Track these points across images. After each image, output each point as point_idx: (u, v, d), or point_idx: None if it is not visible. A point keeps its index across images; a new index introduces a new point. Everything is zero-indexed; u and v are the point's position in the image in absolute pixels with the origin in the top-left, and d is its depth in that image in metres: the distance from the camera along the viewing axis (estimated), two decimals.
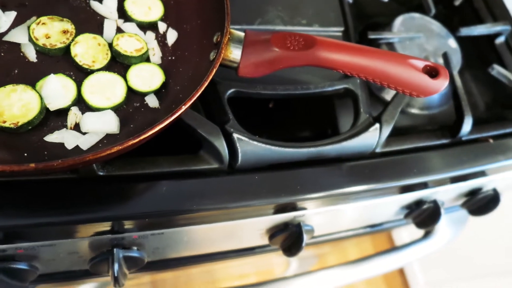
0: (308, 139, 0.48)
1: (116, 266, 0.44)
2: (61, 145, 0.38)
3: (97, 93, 0.40)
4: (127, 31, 0.45)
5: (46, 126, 0.39)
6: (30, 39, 0.41)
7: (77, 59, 0.41)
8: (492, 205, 0.61)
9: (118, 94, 0.41)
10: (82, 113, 0.40)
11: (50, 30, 0.42)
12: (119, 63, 0.44)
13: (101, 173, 0.41)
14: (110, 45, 0.43)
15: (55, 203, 0.39)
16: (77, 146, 0.38)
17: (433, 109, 0.61)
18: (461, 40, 0.63)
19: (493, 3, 0.69)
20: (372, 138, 0.49)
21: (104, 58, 0.42)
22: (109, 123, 0.39)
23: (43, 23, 0.42)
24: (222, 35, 0.41)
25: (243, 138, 0.44)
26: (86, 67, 0.41)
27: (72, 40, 0.42)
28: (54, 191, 0.39)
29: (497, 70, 0.57)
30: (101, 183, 0.41)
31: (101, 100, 0.40)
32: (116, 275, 0.45)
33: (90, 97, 0.40)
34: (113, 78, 0.42)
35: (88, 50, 0.42)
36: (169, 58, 0.46)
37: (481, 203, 0.61)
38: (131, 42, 0.44)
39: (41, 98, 0.38)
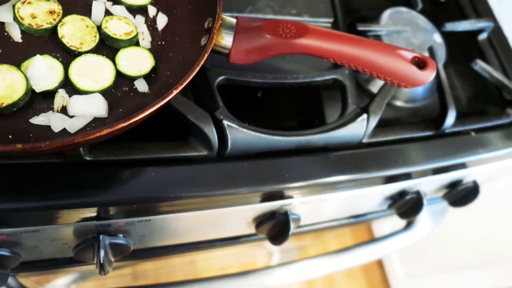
0: (296, 129, 0.48)
1: (102, 253, 0.44)
2: (47, 128, 0.37)
3: (85, 75, 0.39)
4: (116, 14, 0.44)
5: (32, 108, 0.38)
6: (15, 18, 0.40)
7: (64, 41, 0.40)
8: (471, 197, 0.62)
9: (106, 77, 0.40)
10: (70, 96, 0.39)
11: (36, 10, 0.40)
12: (107, 47, 0.43)
13: (88, 158, 0.40)
14: (99, 27, 0.43)
15: (39, 188, 0.38)
16: (63, 130, 0.37)
17: (418, 102, 0.62)
18: (446, 35, 0.65)
19: (477, 1, 0.70)
20: (359, 128, 0.49)
21: (92, 40, 0.42)
22: (97, 107, 0.38)
23: (29, 2, 0.40)
24: (214, 21, 0.41)
25: (233, 125, 0.44)
26: (74, 49, 0.40)
27: (59, 21, 0.41)
28: (38, 175, 0.38)
29: (480, 65, 0.59)
30: (87, 168, 0.40)
31: (89, 83, 0.39)
32: (102, 262, 0.44)
33: (77, 80, 0.39)
34: (102, 60, 0.41)
35: (75, 31, 0.41)
36: (159, 43, 0.45)
37: (461, 195, 0.63)
38: (120, 25, 0.43)
39: (27, 79, 0.37)
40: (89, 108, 0.38)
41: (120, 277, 0.98)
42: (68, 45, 0.40)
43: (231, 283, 0.62)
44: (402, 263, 1.50)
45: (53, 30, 0.41)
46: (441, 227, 0.87)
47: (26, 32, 0.40)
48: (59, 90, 0.38)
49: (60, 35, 0.40)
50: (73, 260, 0.49)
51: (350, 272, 1.64)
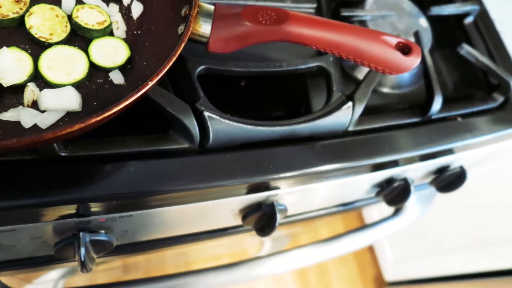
0: (281, 118, 0.47)
1: (82, 251, 0.43)
2: (18, 124, 0.35)
3: (56, 68, 0.37)
4: (88, 3, 0.42)
5: (0, 103, 0.36)
6: None
7: (33, 31, 0.38)
8: (459, 182, 0.62)
9: (79, 70, 0.38)
10: (40, 90, 0.37)
11: None
12: (80, 37, 0.41)
13: (63, 154, 0.39)
14: (70, 17, 0.41)
15: (12, 186, 0.36)
16: (35, 125, 0.36)
17: (404, 88, 0.61)
18: (432, 20, 0.64)
19: None
20: (345, 117, 0.48)
21: (63, 31, 0.40)
22: (70, 100, 0.36)
23: None
24: (191, 8, 0.39)
25: (214, 116, 0.43)
26: (43, 40, 0.38)
27: (27, 10, 0.39)
28: (10, 173, 0.37)
29: (466, 49, 0.58)
30: (63, 164, 0.39)
31: (61, 76, 0.37)
32: (83, 259, 0.43)
33: (48, 73, 0.37)
34: (74, 52, 0.39)
35: (44, 22, 0.39)
36: (134, 32, 0.43)
37: (448, 180, 0.63)
38: (92, 14, 0.41)
39: None
40: (61, 102, 0.36)
41: (110, 271, 0.98)
42: (37, 36, 0.38)
43: (223, 275, 0.62)
44: (392, 247, 1.52)
45: (21, 20, 0.39)
46: (430, 212, 0.87)
47: None
48: (29, 84, 0.37)
49: (28, 26, 0.38)
50: (54, 258, 0.48)
51: (341, 258, 1.65)
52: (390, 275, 1.53)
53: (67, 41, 0.40)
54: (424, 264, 1.36)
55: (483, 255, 1.12)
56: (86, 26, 0.40)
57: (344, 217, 1.53)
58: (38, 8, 0.39)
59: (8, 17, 0.38)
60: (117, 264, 0.98)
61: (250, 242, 1.18)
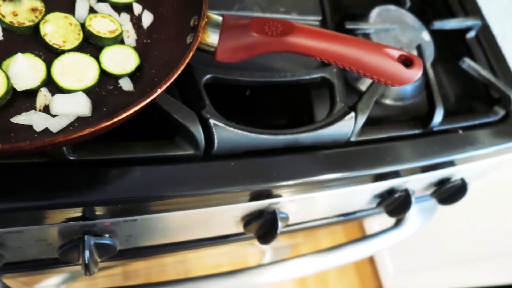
0: (285, 127, 0.48)
1: (87, 254, 0.43)
2: (29, 127, 0.36)
3: (68, 74, 0.39)
4: (100, 12, 0.44)
5: (13, 107, 0.37)
6: None
7: (47, 39, 0.40)
8: (460, 195, 0.63)
9: (90, 76, 0.39)
10: (52, 95, 0.38)
11: (18, 8, 0.40)
12: (91, 45, 0.42)
13: (72, 158, 0.40)
14: (83, 25, 0.42)
15: (22, 188, 0.37)
16: (46, 129, 0.37)
17: (406, 100, 0.62)
18: (434, 33, 0.65)
19: None
20: (347, 127, 0.49)
21: (75, 38, 0.41)
22: (81, 105, 0.38)
23: (10, 0, 0.40)
24: (199, 19, 0.41)
25: (219, 124, 0.44)
26: (57, 47, 0.40)
27: (42, 18, 0.40)
28: (21, 175, 0.38)
29: (467, 63, 0.59)
30: (71, 168, 0.40)
31: (72, 82, 0.38)
32: (87, 262, 0.43)
33: (60, 78, 0.38)
34: (85, 59, 0.40)
35: (58, 29, 0.40)
36: (144, 41, 0.45)
37: (449, 192, 0.63)
38: (104, 23, 0.43)
39: (8, 78, 0.36)
40: (72, 107, 0.37)
41: (110, 277, 0.98)
42: (50, 43, 0.40)
43: (223, 282, 0.62)
44: (393, 259, 1.51)
45: (36, 28, 0.40)
46: (431, 225, 0.88)
47: (7, 30, 0.39)
48: (42, 89, 0.38)
49: (42, 33, 0.40)
50: (58, 261, 0.48)
51: (342, 269, 1.64)
52: None
53: (79, 48, 0.41)
54: (426, 277, 1.35)
55: (485, 269, 1.12)
56: (98, 34, 0.41)
57: (346, 228, 1.53)
58: (52, 17, 0.41)
59: (24, 25, 0.39)
60: (118, 271, 0.98)
61: (251, 252, 1.18)
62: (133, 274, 1.03)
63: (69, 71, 0.39)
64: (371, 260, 1.65)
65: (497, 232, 1.07)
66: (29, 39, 0.40)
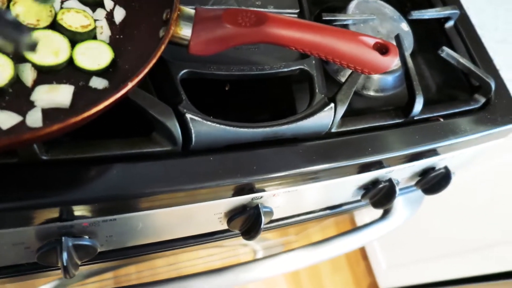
0: (266, 121, 0.47)
1: (64, 256, 0.42)
2: None
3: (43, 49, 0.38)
4: (74, 7, 0.43)
5: None
6: None
7: (20, 19, 0.40)
8: (444, 183, 0.63)
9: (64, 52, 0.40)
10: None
11: None
12: None
13: (45, 157, 0.39)
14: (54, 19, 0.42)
15: None
16: (15, 127, 0.36)
17: (388, 91, 0.62)
18: (413, 24, 0.65)
19: None
20: (327, 118, 0.49)
21: (48, 15, 0.41)
22: (63, 96, 0.38)
23: None
24: (171, 11, 0.40)
25: (196, 118, 0.43)
26: (32, 26, 0.40)
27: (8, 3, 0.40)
28: None
29: (446, 52, 0.59)
30: (45, 168, 0.39)
31: (48, 56, 0.38)
32: (65, 264, 0.43)
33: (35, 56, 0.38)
34: (60, 38, 0.40)
35: (30, 9, 0.40)
36: (117, 36, 0.44)
37: (433, 182, 0.63)
38: (77, 18, 0.42)
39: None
40: (53, 97, 0.37)
41: (101, 282, 0.97)
42: (24, 23, 0.39)
43: (214, 279, 0.62)
44: (385, 254, 1.51)
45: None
46: (419, 218, 0.88)
47: None
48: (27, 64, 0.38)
49: (14, 14, 0.39)
50: (39, 266, 0.47)
51: (335, 266, 1.64)
52: (384, 283, 1.53)
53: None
54: (418, 270, 1.36)
55: (477, 259, 1.12)
56: (69, 28, 0.41)
57: (337, 224, 1.53)
58: None
59: None
60: (109, 276, 0.97)
61: (242, 252, 1.18)
62: (124, 278, 1.02)
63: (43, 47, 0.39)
64: (364, 256, 1.65)
65: (486, 221, 1.08)
66: None
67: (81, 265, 0.48)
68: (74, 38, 0.42)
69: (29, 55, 0.38)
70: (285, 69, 0.51)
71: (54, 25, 0.42)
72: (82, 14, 0.43)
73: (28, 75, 0.38)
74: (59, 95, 0.38)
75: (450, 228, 1.20)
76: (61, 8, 0.42)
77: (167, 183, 0.42)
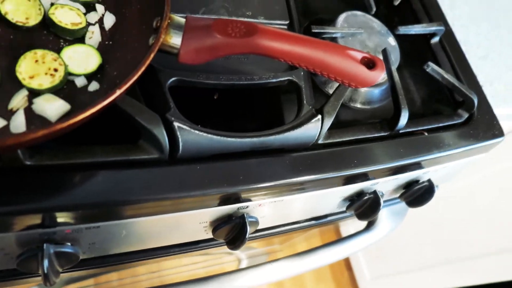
0: (254, 131, 0.48)
1: (46, 263, 0.42)
2: None
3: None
4: (69, 4, 0.44)
5: None
6: None
7: (9, 17, 0.40)
8: (427, 196, 0.64)
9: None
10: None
11: None
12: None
13: (29, 163, 0.38)
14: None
15: None
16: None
17: (375, 104, 0.63)
18: (400, 38, 0.66)
19: (430, 5, 0.73)
20: (314, 129, 0.49)
21: (37, 13, 0.41)
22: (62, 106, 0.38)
23: None
24: (162, 20, 0.40)
25: (184, 126, 0.43)
26: (21, 24, 0.40)
27: None
28: None
29: (431, 67, 0.60)
30: (28, 173, 0.38)
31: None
32: (46, 272, 0.42)
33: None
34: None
35: (19, 6, 0.40)
36: (106, 42, 0.44)
37: (417, 194, 0.64)
38: (70, 15, 0.42)
39: None
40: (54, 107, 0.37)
41: None
42: (13, 21, 0.40)
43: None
44: (369, 265, 1.52)
45: None
46: (405, 226, 0.88)
47: None
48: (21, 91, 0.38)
49: (3, 12, 0.40)
50: (18, 272, 0.46)
51: (319, 275, 1.65)
52: None
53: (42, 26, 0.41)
54: (402, 281, 1.37)
55: (459, 270, 1.14)
56: (59, 24, 0.41)
57: (322, 234, 1.54)
58: None
59: None
60: (89, 283, 0.95)
61: (227, 260, 1.17)
62: (105, 286, 1.00)
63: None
64: (348, 266, 1.66)
65: (469, 233, 1.10)
66: None
67: (62, 272, 0.47)
68: (62, 35, 0.42)
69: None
70: (274, 80, 0.52)
71: (44, 23, 0.42)
72: (76, 12, 0.43)
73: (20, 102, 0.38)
74: (53, 109, 0.38)
75: (433, 239, 1.22)
76: (52, 4, 0.43)
77: (153, 191, 0.42)
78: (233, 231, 0.52)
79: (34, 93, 0.39)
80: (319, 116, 0.49)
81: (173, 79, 0.46)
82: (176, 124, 0.43)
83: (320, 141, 0.51)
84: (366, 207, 0.60)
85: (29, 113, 0.38)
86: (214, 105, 0.55)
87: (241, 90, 0.53)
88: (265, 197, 0.50)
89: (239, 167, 0.46)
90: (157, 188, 0.42)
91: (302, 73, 0.53)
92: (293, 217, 0.63)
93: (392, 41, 0.65)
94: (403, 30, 0.65)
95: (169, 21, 0.41)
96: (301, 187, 0.51)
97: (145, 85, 0.46)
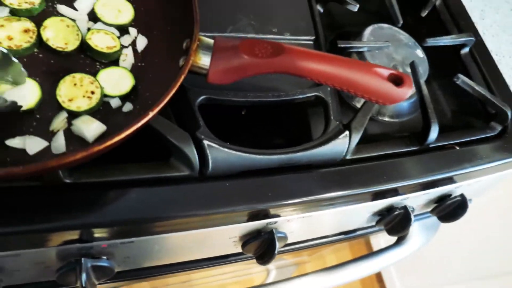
0: (282, 147, 0.48)
1: (84, 276, 0.43)
2: (24, 151, 0.37)
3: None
4: (104, 29, 0.46)
5: (12, 128, 0.38)
6: None
7: (50, 43, 0.42)
8: (460, 211, 0.62)
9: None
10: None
11: (10, 31, 0.41)
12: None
13: (68, 181, 0.40)
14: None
15: (17, 212, 0.38)
16: (41, 152, 0.37)
17: (403, 117, 0.62)
18: (428, 50, 0.65)
19: (458, 15, 0.71)
20: (342, 145, 0.50)
21: (75, 39, 0.44)
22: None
23: (1, 25, 0.41)
24: (191, 41, 0.42)
25: (213, 145, 0.44)
26: (60, 49, 0.43)
27: (37, 38, 0.42)
28: (16, 199, 0.38)
29: (462, 79, 0.59)
30: (67, 191, 0.40)
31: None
32: (84, 285, 0.43)
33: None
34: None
35: (58, 33, 0.43)
36: (139, 64, 0.46)
37: (449, 209, 0.63)
38: (105, 39, 0.45)
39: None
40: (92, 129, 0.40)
41: None
42: (54, 46, 0.42)
43: None
44: (400, 277, 1.48)
45: (40, 42, 0.43)
46: (436, 242, 0.86)
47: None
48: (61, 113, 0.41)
49: (45, 39, 0.42)
50: (56, 284, 0.49)
51: (349, 286, 1.61)
52: None
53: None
54: None
55: (491, 286, 1.09)
56: (95, 48, 0.43)
57: (352, 246, 1.51)
58: (50, 22, 0.43)
59: (22, 47, 0.41)
60: None
61: (255, 271, 1.17)
62: None
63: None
64: (379, 279, 1.62)
65: (504, 249, 1.06)
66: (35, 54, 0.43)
67: (98, 284, 0.49)
68: (98, 58, 0.44)
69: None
70: (301, 96, 0.52)
71: (81, 47, 0.44)
72: (111, 36, 0.45)
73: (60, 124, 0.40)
74: (90, 130, 0.40)
75: (468, 253, 1.18)
76: (89, 29, 0.45)
77: (184, 208, 0.43)
78: (262, 247, 0.53)
79: (72, 115, 0.41)
80: (347, 132, 0.50)
81: (202, 97, 0.48)
82: (205, 142, 0.44)
83: (348, 157, 0.51)
84: (396, 222, 0.59)
85: (68, 134, 0.40)
86: (242, 121, 0.56)
87: (268, 106, 0.54)
88: (294, 212, 0.51)
89: (267, 184, 0.47)
90: (188, 205, 0.44)
91: (328, 88, 0.53)
92: (322, 232, 0.63)
93: (420, 53, 0.64)
94: (432, 42, 0.64)
95: (198, 42, 0.42)
96: (330, 203, 0.51)
97: (175, 104, 0.47)
